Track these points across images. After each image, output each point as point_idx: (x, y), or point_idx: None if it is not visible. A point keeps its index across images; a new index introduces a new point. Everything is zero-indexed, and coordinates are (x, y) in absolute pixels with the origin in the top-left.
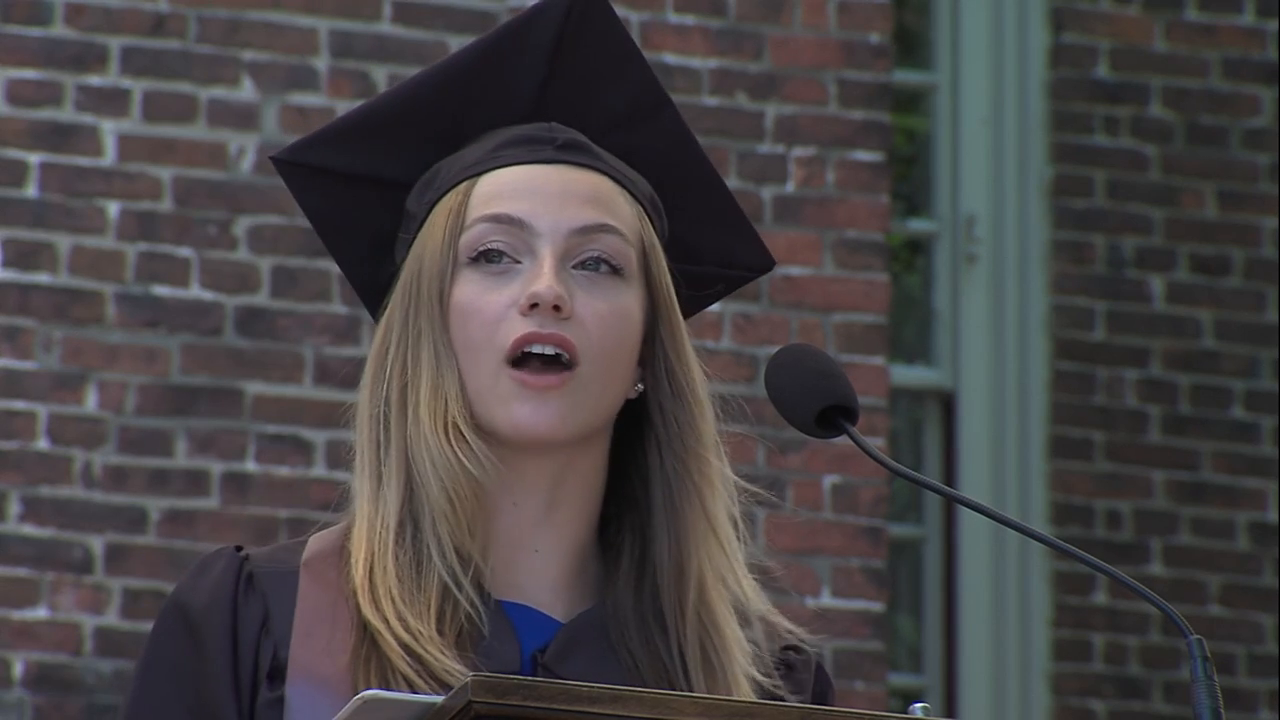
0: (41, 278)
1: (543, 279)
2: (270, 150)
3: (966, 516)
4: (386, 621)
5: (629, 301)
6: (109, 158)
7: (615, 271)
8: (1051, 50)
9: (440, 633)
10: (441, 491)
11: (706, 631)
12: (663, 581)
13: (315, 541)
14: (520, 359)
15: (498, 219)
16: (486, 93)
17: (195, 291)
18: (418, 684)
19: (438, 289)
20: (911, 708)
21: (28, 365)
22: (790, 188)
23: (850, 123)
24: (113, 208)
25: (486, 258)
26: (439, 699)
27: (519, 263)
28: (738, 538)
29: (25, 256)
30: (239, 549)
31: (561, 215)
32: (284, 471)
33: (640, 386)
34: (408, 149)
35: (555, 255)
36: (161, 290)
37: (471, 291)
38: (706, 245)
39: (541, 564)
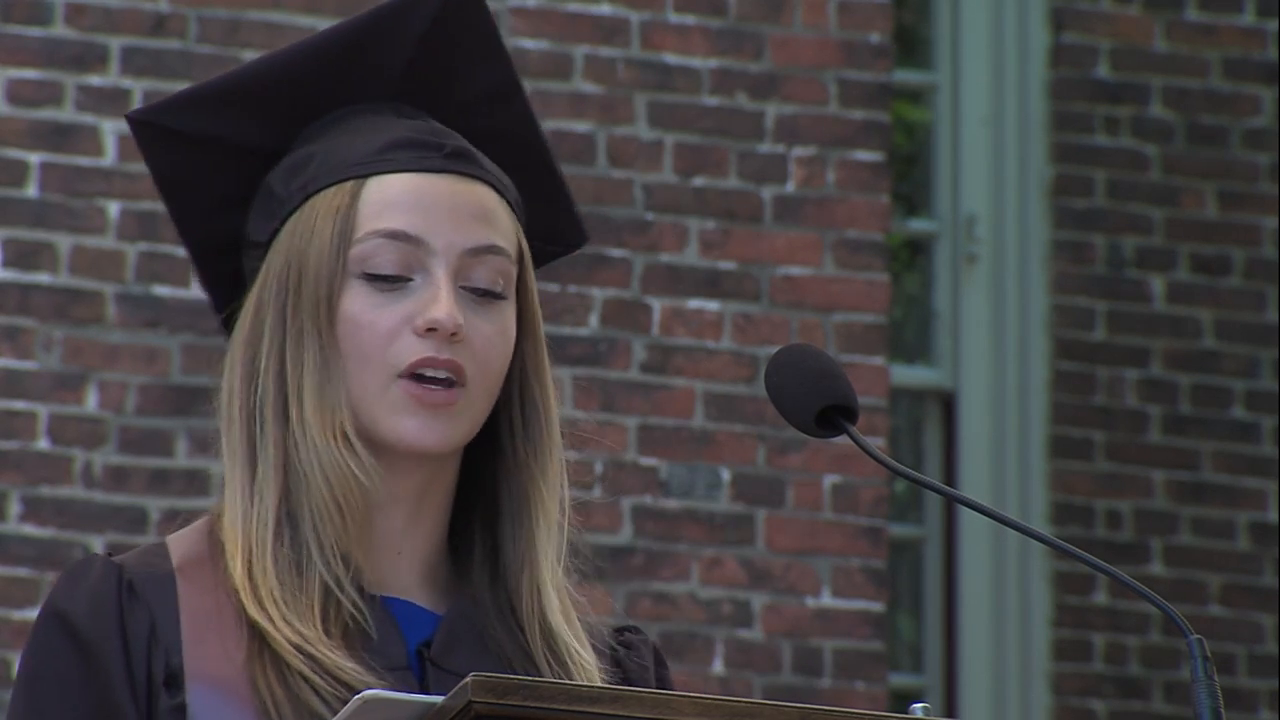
0: (42, 278)
1: (441, 305)
2: None
3: (966, 516)
4: (273, 621)
5: (509, 321)
6: (109, 158)
7: (500, 296)
8: (1051, 50)
9: (327, 633)
10: (330, 497)
11: (554, 625)
12: (512, 578)
13: (180, 542)
14: (413, 376)
15: (393, 235)
16: (352, 68)
17: (195, 291)
18: (315, 681)
19: (325, 294)
20: (911, 708)
21: (28, 365)
22: (790, 188)
23: (850, 123)
24: (113, 208)
25: (381, 276)
26: (439, 699)
27: (411, 279)
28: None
29: (25, 256)
30: (110, 555)
31: (455, 234)
32: None
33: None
34: (266, 116)
35: (449, 277)
36: (162, 290)
37: (362, 305)
38: (535, 223)
39: (405, 565)
